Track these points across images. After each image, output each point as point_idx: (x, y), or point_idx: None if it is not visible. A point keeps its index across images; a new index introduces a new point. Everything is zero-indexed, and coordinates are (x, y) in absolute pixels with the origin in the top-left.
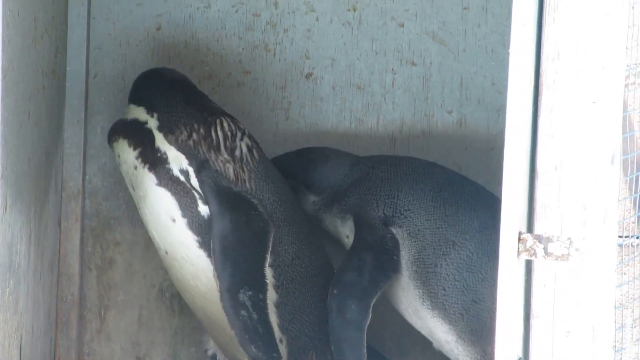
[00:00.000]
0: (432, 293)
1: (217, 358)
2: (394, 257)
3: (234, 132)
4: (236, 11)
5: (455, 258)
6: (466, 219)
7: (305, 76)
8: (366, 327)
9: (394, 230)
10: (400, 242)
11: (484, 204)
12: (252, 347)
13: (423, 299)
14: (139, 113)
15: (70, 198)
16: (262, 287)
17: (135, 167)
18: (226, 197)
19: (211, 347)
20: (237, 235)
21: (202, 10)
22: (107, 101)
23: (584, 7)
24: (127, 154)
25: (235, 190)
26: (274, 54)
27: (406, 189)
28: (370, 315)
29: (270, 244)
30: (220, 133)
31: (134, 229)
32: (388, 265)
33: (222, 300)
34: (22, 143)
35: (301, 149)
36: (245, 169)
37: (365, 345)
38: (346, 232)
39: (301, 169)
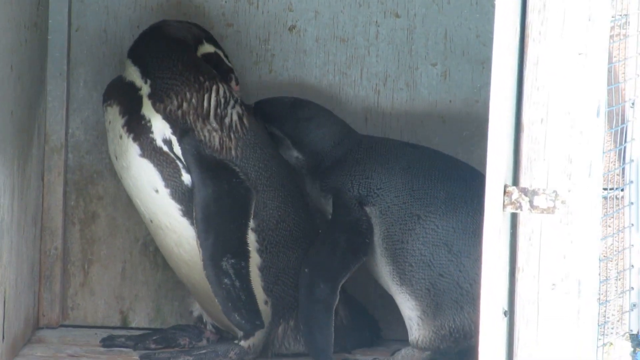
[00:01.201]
0: (400, 269)
1: (203, 319)
2: (366, 240)
3: (227, 99)
4: None
5: (421, 232)
6: (432, 191)
7: (289, 29)
8: (334, 306)
9: (368, 209)
10: (373, 220)
11: (453, 175)
12: (236, 315)
13: (393, 275)
14: (135, 76)
15: (53, 152)
16: (244, 255)
17: (121, 137)
18: (208, 165)
19: (197, 309)
20: (219, 204)
21: None
22: (90, 54)
23: None
24: (116, 121)
25: (218, 158)
26: (257, 6)
27: (379, 168)
28: (339, 296)
29: (252, 211)
30: (213, 100)
31: (117, 183)
32: (360, 248)
33: (205, 268)
34: (4, 96)
35: (298, 100)
36: (232, 136)
37: (333, 323)
38: (329, 210)
39: (292, 123)
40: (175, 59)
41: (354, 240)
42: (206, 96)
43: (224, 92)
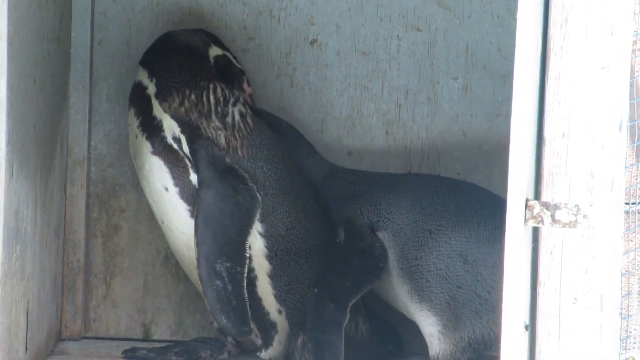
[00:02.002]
0: (418, 286)
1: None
2: (380, 264)
3: (227, 97)
4: None
5: (434, 246)
6: (441, 207)
7: (310, 42)
8: (343, 326)
9: (380, 234)
10: (387, 243)
11: (460, 191)
12: (222, 318)
13: (411, 293)
14: (143, 76)
15: (75, 164)
16: (241, 260)
17: (136, 136)
18: (216, 166)
19: None
20: (222, 206)
21: None
22: (112, 67)
23: None
24: (133, 123)
25: (228, 161)
26: (279, 20)
27: (387, 195)
28: (348, 315)
29: (255, 219)
30: (212, 98)
31: (139, 196)
32: (373, 270)
33: (198, 267)
34: (27, 109)
35: (288, 125)
36: (237, 135)
37: (343, 343)
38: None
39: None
40: (176, 61)
41: (367, 263)
42: (204, 94)
43: (222, 90)
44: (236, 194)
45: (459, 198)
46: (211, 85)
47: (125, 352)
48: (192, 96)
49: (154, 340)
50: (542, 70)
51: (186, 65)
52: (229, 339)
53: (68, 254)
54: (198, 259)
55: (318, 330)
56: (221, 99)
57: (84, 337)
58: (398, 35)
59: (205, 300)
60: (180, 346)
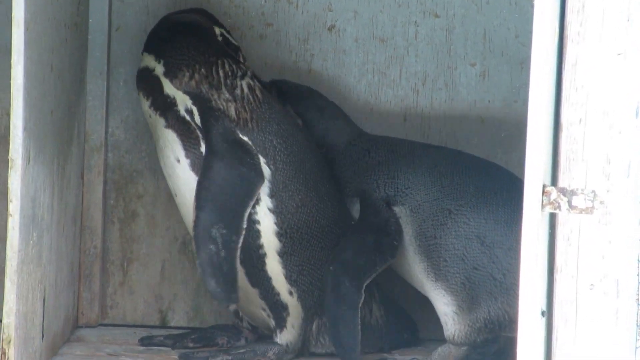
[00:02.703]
0: (435, 265)
1: (239, 314)
2: (394, 242)
3: (235, 71)
4: None
5: (453, 226)
6: (461, 186)
7: (328, 28)
8: (359, 304)
9: (396, 209)
10: (404, 219)
11: (480, 169)
12: (212, 281)
13: (427, 271)
14: (148, 59)
15: (93, 151)
16: (237, 230)
17: (150, 116)
18: (225, 137)
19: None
20: (225, 174)
21: None
22: (130, 53)
23: None
24: (144, 105)
25: (238, 134)
26: (297, 6)
27: (405, 168)
28: (364, 295)
29: (256, 194)
30: (221, 72)
31: (157, 182)
32: (387, 250)
33: (193, 229)
34: (44, 96)
35: (314, 89)
36: (246, 108)
37: (359, 322)
38: (355, 213)
39: (308, 105)
40: (183, 40)
41: (382, 241)
42: (214, 68)
43: (230, 65)
44: (241, 165)
45: (479, 178)
46: (219, 61)
47: (142, 339)
48: (202, 70)
49: (171, 327)
50: (559, 57)
51: (194, 43)
52: (245, 323)
53: (85, 241)
54: (195, 221)
55: (334, 308)
56: (229, 73)
57: (101, 324)
58: (416, 22)
59: (197, 262)
60: (197, 333)
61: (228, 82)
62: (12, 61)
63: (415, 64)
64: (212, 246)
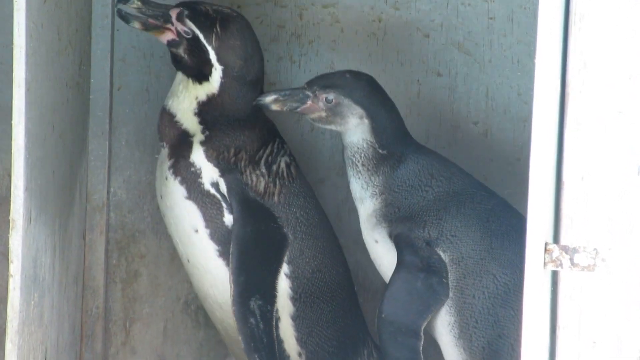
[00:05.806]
0: (464, 323)
1: None
2: (444, 280)
3: (279, 149)
4: (261, 22)
5: (494, 292)
6: (510, 254)
7: None
8: (420, 348)
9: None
10: None
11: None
12: (256, 356)
13: (452, 326)
14: (192, 122)
15: (95, 210)
16: (271, 299)
17: (166, 178)
18: (250, 206)
19: None
20: (255, 243)
21: None
22: (132, 113)
23: (610, 17)
24: (164, 163)
25: (260, 202)
26: (299, 65)
27: (454, 211)
28: (423, 338)
29: (284, 258)
30: (268, 150)
31: (159, 242)
32: (439, 288)
33: (233, 304)
34: (46, 156)
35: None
36: (277, 182)
37: None
38: (375, 236)
39: (366, 94)
40: (237, 118)
41: (432, 280)
42: (263, 148)
43: (278, 144)
44: (268, 231)
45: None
46: (270, 142)
47: None
48: (249, 149)
49: None
50: (560, 114)
51: (248, 123)
52: None
53: (87, 301)
54: (233, 297)
55: (396, 354)
56: (275, 151)
57: None
58: (418, 80)
59: (240, 337)
60: None
61: (269, 159)
62: (13, 121)
63: (418, 122)
64: (252, 319)
